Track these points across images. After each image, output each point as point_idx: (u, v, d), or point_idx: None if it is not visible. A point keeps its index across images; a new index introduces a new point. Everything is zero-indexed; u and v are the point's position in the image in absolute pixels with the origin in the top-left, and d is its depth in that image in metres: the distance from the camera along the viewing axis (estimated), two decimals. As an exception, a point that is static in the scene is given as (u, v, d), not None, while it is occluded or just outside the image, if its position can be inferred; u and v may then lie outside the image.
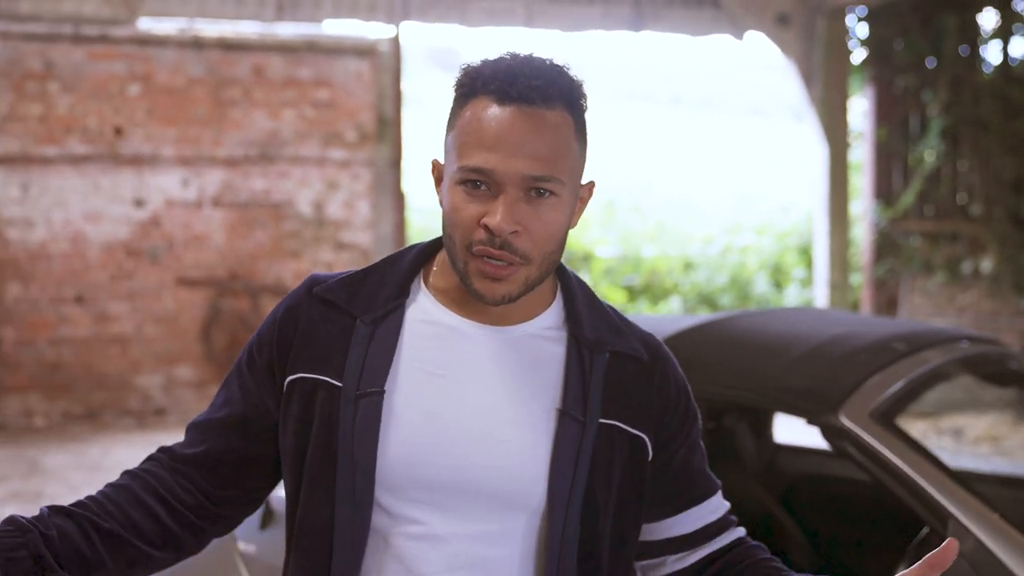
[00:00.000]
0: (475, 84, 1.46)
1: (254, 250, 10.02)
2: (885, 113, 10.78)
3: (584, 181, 1.55)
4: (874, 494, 3.49)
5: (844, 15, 10.62)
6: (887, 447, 2.27)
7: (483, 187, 1.43)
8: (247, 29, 9.99)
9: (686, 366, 2.56)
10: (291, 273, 10.06)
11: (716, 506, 1.68)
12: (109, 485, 1.56)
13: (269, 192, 10.08)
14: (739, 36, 10.96)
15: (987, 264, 10.33)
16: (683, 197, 14.17)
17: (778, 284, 12.09)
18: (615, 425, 1.52)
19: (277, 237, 10.13)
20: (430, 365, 1.50)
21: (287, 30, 10.06)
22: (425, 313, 1.54)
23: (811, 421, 2.37)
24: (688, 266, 12.24)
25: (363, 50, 10.20)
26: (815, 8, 10.59)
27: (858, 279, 10.75)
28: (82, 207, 9.51)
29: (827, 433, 2.35)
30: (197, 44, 9.81)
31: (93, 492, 1.56)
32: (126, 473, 1.59)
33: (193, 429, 1.60)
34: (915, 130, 10.77)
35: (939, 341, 2.75)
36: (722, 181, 17.13)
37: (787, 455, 3.80)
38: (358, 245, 10.34)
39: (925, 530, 2.52)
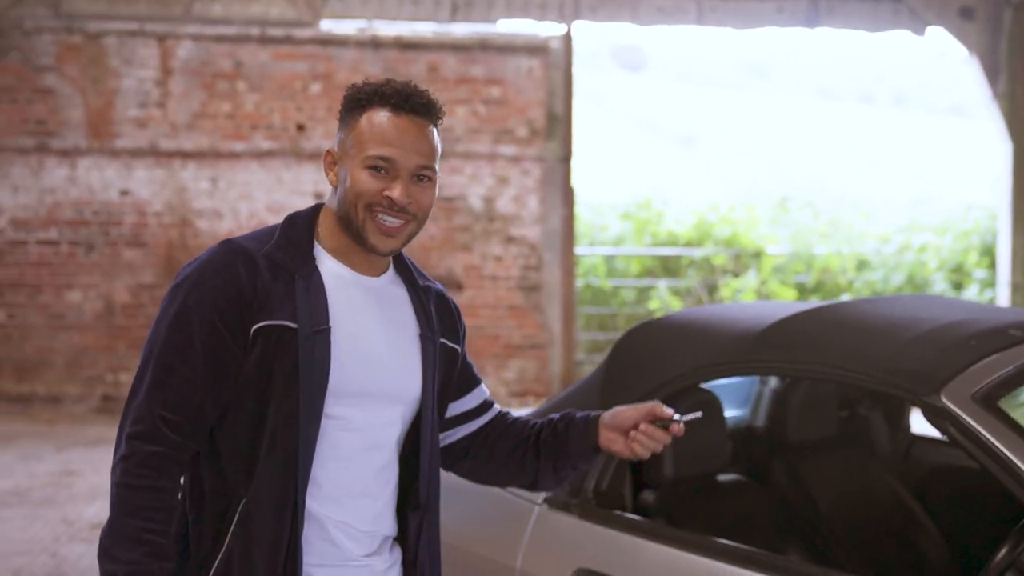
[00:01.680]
0: (372, 98, 1.98)
1: (427, 242, 10.20)
2: (1073, 109, 10.39)
3: None
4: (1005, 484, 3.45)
5: (1033, 6, 10.27)
6: (988, 429, 2.26)
7: (383, 171, 1.96)
8: (423, 29, 10.22)
9: (798, 346, 2.64)
10: (462, 265, 10.26)
11: (483, 391, 2.32)
12: (171, 510, 1.92)
13: (442, 186, 10.13)
14: (920, 32, 10.70)
15: None
16: (859, 194, 13.84)
17: (958, 285, 11.72)
18: (444, 343, 2.16)
19: (449, 230, 10.30)
20: (344, 306, 2.00)
21: (461, 29, 10.22)
22: (330, 268, 2.03)
23: (913, 402, 2.37)
24: (863, 264, 11.97)
25: (535, 48, 10.29)
26: (1001, 0, 10.28)
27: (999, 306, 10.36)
28: (266, 199, 9.94)
29: (928, 413, 2.34)
30: (375, 44, 10.08)
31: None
32: (163, 487, 1.89)
33: (175, 409, 1.89)
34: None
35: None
36: (903, 178, 16.66)
37: (924, 445, 3.76)
38: (527, 239, 10.43)
39: (1031, 514, 2.52)
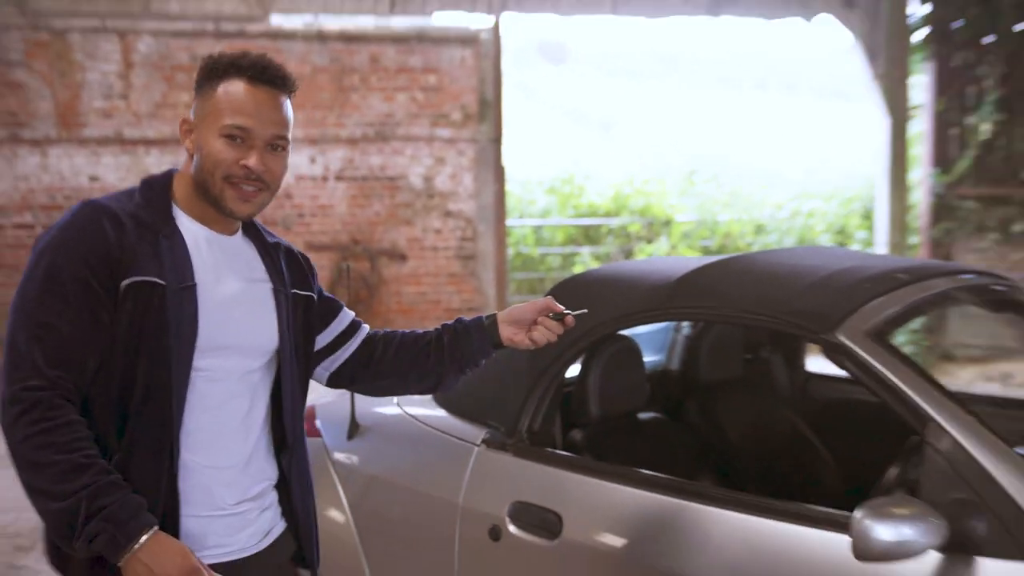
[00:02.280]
0: (229, 68, 1.88)
1: (372, 218, 10.17)
2: (943, 87, 10.53)
3: None
4: (891, 417, 3.47)
5: (906, -3, 10.38)
6: (878, 361, 2.26)
7: (239, 140, 1.85)
8: (364, 22, 10.07)
9: (707, 293, 2.62)
10: (405, 238, 10.20)
11: (348, 313, 2.23)
12: (89, 439, 1.77)
13: (385, 167, 10.20)
14: (809, 18, 10.75)
15: (1038, 226, 10.10)
16: (757, 168, 13.97)
17: (841, 245, 11.89)
18: (296, 292, 2.06)
19: (392, 207, 10.25)
20: (205, 263, 1.90)
21: (400, 22, 10.08)
22: (188, 227, 1.91)
23: (813, 339, 2.36)
24: (760, 229, 12.11)
25: (467, 39, 10.22)
26: (879, -12, 10.39)
27: (916, 240, 10.53)
28: None
29: (826, 349, 2.33)
30: (321, 37, 9.95)
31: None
32: (77, 421, 1.76)
33: (60, 364, 1.75)
34: (971, 102, 10.51)
35: (945, 272, 2.70)
36: (795, 154, 16.84)
37: (818, 382, 3.77)
38: (463, 213, 10.40)
39: (916, 437, 2.53)
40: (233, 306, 1.92)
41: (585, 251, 11.70)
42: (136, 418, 1.80)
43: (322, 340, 2.17)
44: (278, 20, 9.89)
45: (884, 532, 1.94)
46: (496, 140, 10.36)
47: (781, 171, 13.68)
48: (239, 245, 2.01)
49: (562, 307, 2.13)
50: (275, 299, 2.01)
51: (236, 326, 1.91)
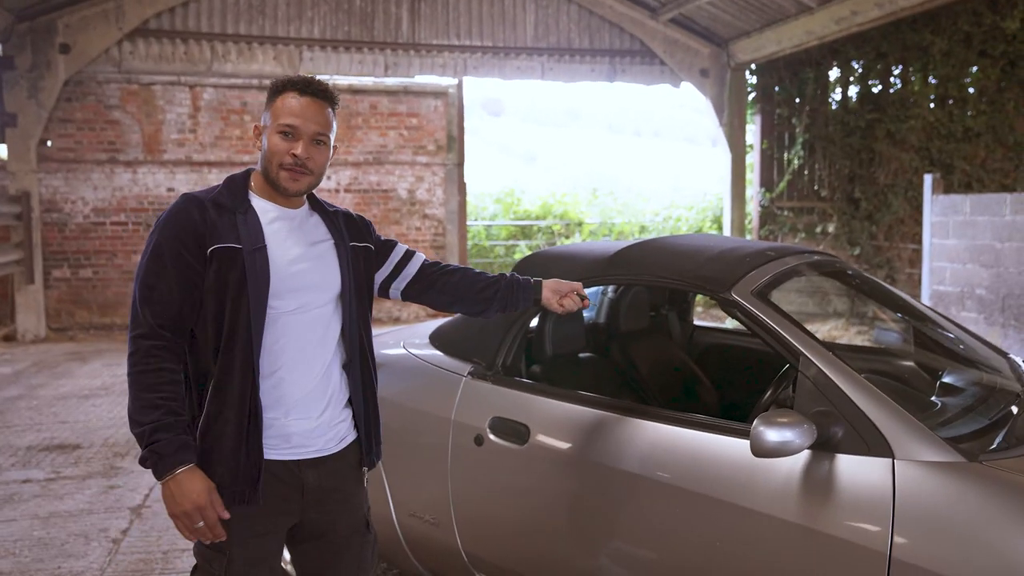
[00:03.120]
0: (285, 86, 1.79)
1: (371, 220, 9.90)
2: (767, 132, 10.63)
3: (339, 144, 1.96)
4: (753, 357, 3.42)
5: (743, 70, 10.41)
6: (761, 312, 2.17)
7: (289, 136, 1.76)
8: (366, 80, 9.93)
9: (635, 265, 2.51)
10: (394, 235, 10.04)
11: (402, 247, 2.09)
12: (176, 383, 1.71)
13: (380, 183, 10.04)
14: (677, 84, 10.75)
15: (831, 228, 10.23)
16: (640, 187, 13.95)
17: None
18: (355, 245, 1.92)
19: (385, 211, 10.10)
20: (274, 230, 1.79)
21: (391, 80, 9.96)
22: (260, 206, 1.81)
23: (713, 297, 2.26)
24: (643, 229, 12.10)
25: (439, 93, 10.13)
26: (724, 65, 10.38)
27: (751, 239, 10.64)
28: None
29: (723, 305, 2.24)
30: (336, 89, 9.66)
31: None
32: (167, 368, 1.70)
33: (162, 315, 1.70)
34: (786, 143, 10.60)
35: (797, 252, 2.65)
36: (663, 179, 16.89)
37: (700, 332, 3.70)
38: (436, 216, 10.28)
39: (786, 367, 2.45)
40: (299, 260, 1.81)
41: (522, 244, 11.60)
42: (227, 346, 1.72)
43: (383, 272, 2.04)
44: None
45: (772, 435, 1.85)
46: (459, 164, 10.27)
47: (656, 189, 13.65)
48: (303, 215, 1.88)
49: (586, 292, 2.16)
50: (336, 252, 1.88)
51: (303, 274, 1.80)
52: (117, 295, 9.31)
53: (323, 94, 1.80)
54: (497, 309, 2.11)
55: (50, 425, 5.54)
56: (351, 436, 1.89)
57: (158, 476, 1.65)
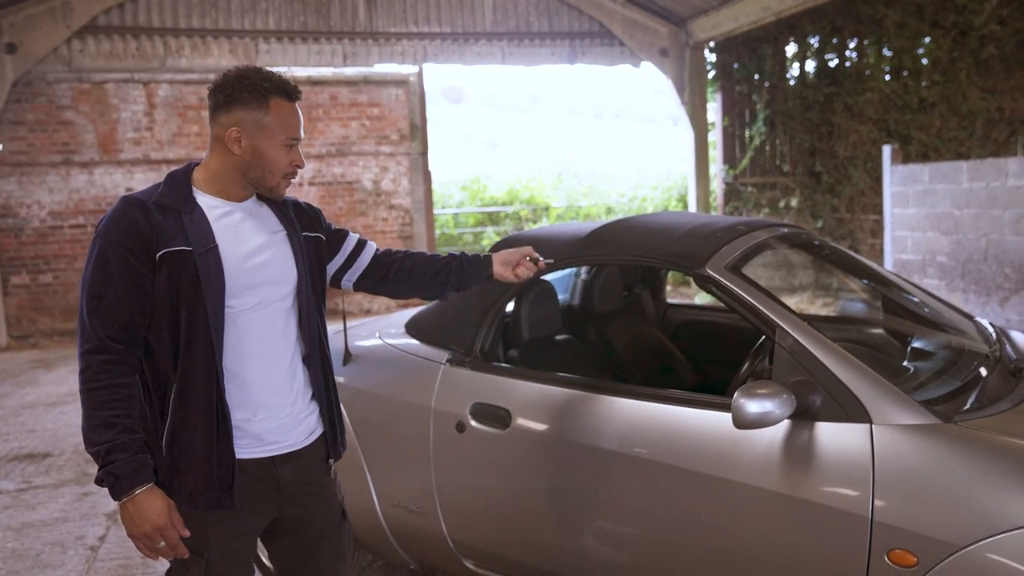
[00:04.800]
0: (272, 87, 1.70)
1: (337, 212, 9.87)
2: (729, 109, 10.70)
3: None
4: (726, 331, 3.46)
5: (702, 48, 10.45)
6: (736, 286, 2.18)
7: (290, 147, 1.73)
8: (325, 71, 9.78)
9: (608, 244, 2.51)
10: (361, 226, 9.96)
11: (354, 237, 2.03)
12: (131, 398, 1.64)
13: (344, 175, 9.93)
14: (637, 65, 10.77)
15: (794, 202, 10.34)
16: (604, 169, 13.97)
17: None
18: (307, 235, 1.86)
19: (351, 203, 9.98)
20: (224, 227, 1.71)
21: (351, 70, 9.84)
22: (206, 203, 1.73)
23: (688, 273, 2.27)
24: (609, 211, 12.12)
25: (399, 81, 10.02)
26: (684, 44, 10.41)
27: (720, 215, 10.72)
28: None
29: (698, 280, 2.24)
30: (294, 82, 9.49)
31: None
32: (120, 384, 1.63)
33: (112, 326, 1.63)
34: (747, 120, 10.69)
35: (767, 225, 2.66)
36: (627, 160, 16.95)
37: (674, 309, 3.72)
38: (402, 206, 10.20)
39: (762, 338, 2.47)
40: (255, 254, 1.74)
41: (489, 230, 11.55)
42: (187, 351, 1.66)
43: (335, 263, 1.99)
44: None
45: (753, 406, 1.87)
46: (423, 153, 10.19)
47: (620, 170, 13.68)
48: (252, 207, 1.80)
49: (538, 255, 2.10)
50: (290, 243, 1.81)
51: (260, 269, 1.74)
52: (79, 300, 9.12)
53: (300, 96, 1.76)
54: (452, 290, 2.08)
55: (18, 435, 5.41)
56: (319, 429, 1.86)
57: (115, 497, 1.61)
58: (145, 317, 1.64)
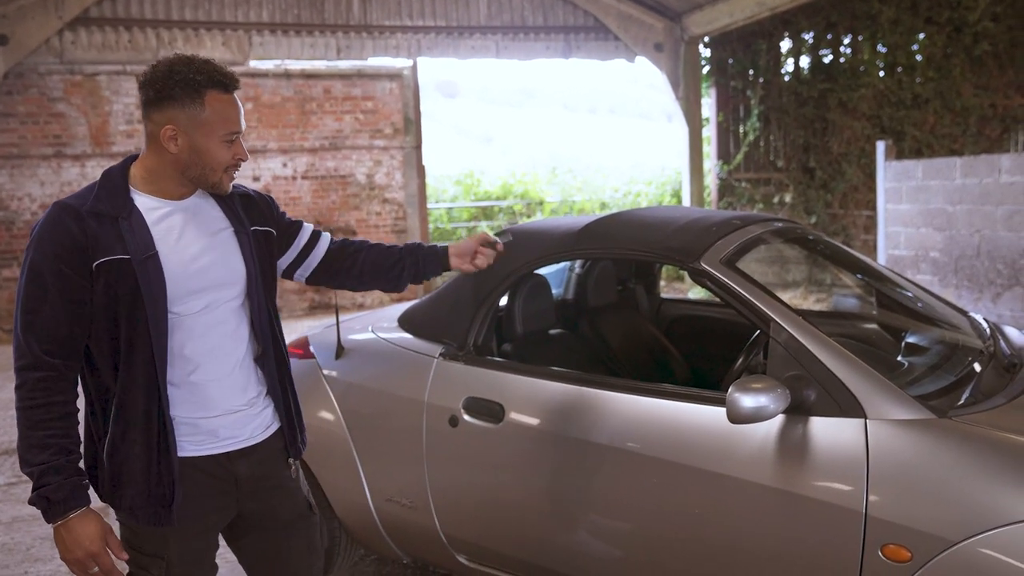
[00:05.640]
0: (205, 80, 1.58)
1: (330, 206, 9.85)
2: (723, 105, 10.70)
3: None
4: (720, 326, 3.45)
5: (697, 43, 10.43)
6: (731, 280, 2.17)
7: (231, 141, 1.63)
8: (319, 64, 9.74)
9: (603, 238, 2.50)
10: (354, 220, 9.93)
11: (308, 229, 1.95)
12: (68, 416, 1.59)
13: (337, 168, 9.90)
14: (631, 60, 10.75)
15: (788, 198, 10.35)
16: (599, 164, 13.95)
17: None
18: (256, 229, 1.78)
19: (344, 197, 9.94)
20: (165, 229, 1.63)
21: (345, 63, 9.81)
22: (145, 204, 1.63)
23: (683, 267, 2.25)
24: (603, 206, 12.11)
25: (393, 75, 9.97)
26: (679, 39, 10.39)
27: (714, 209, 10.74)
28: None
29: (693, 274, 2.23)
30: (287, 75, 9.57)
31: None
32: (56, 402, 1.57)
33: (49, 341, 1.56)
34: (741, 115, 10.69)
35: (761, 220, 2.66)
36: (621, 155, 16.94)
37: (668, 304, 3.71)
38: (395, 200, 10.16)
39: (756, 333, 2.46)
40: (200, 256, 1.66)
41: (483, 225, 11.53)
42: (126, 362, 1.59)
43: (287, 257, 1.92)
44: (255, 63, 9.46)
45: (748, 401, 1.86)
46: (417, 147, 10.16)
47: (615, 165, 13.66)
48: (195, 203, 1.70)
49: (493, 237, 2.07)
50: (237, 240, 1.72)
51: (205, 272, 1.66)
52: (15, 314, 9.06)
53: (237, 85, 1.64)
54: (406, 283, 2.04)
55: (9, 428, 5.37)
56: (275, 424, 1.81)
57: (48, 521, 1.56)
58: (83, 330, 1.58)
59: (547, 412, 2.33)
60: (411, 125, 10.06)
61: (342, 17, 9.54)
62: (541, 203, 11.87)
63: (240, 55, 9.26)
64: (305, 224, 1.96)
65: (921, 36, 9.55)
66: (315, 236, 1.96)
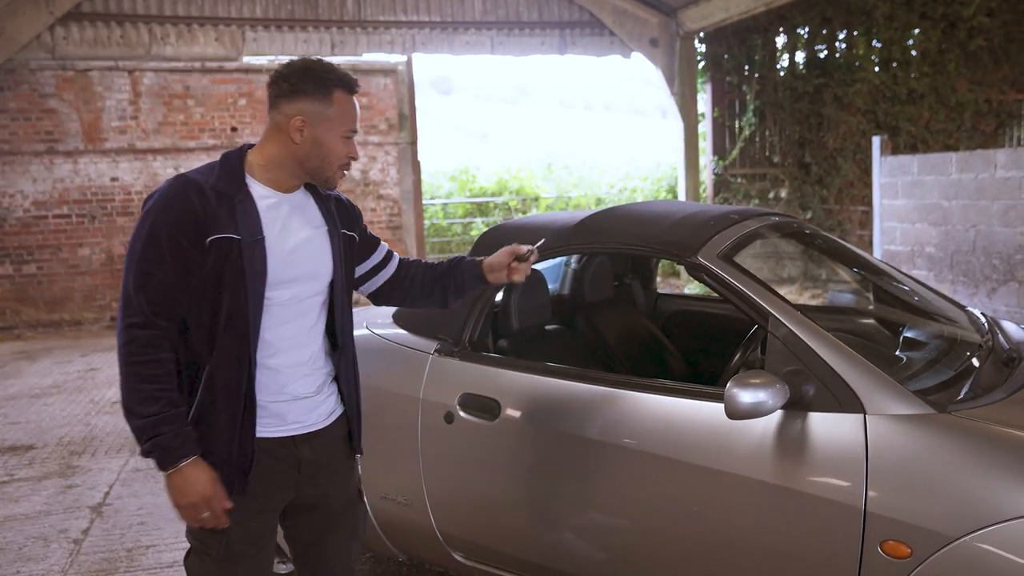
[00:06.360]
0: (335, 80, 1.72)
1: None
2: (718, 100, 10.67)
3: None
4: (717, 321, 3.43)
5: (693, 38, 10.41)
6: (728, 275, 2.15)
7: (348, 138, 1.75)
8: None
9: (599, 233, 2.48)
10: (350, 216, 9.90)
11: (384, 248, 2.05)
12: (171, 374, 1.68)
13: (333, 164, 9.86)
14: (627, 55, 10.73)
15: (784, 193, 10.34)
16: (594, 160, 13.92)
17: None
18: (344, 232, 1.88)
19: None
20: (272, 218, 1.73)
21: (339, 59, 9.74)
22: (259, 192, 1.74)
23: (680, 261, 2.23)
24: (599, 201, 12.08)
25: (388, 71, 9.93)
26: (674, 35, 10.37)
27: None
28: None
29: (690, 269, 2.21)
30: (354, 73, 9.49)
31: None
32: (164, 358, 1.67)
33: (158, 303, 1.65)
34: (737, 110, 10.67)
35: (758, 214, 2.63)
36: (616, 151, 16.91)
37: (664, 299, 3.69)
38: (391, 196, 10.13)
39: (754, 328, 2.44)
40: (298, 248, 1.77)
41: (478, 221, 11.50)
42: (223, 336, 1.69)
43: (360, 270, 2.02)
44: (248, 59, 9.42)
45: (746, 396, 1.84)
46: (412, 143, 10.12)
47: (610, 161, 13.63)
48: (299, 199, 1.81)
49: (524, 247, 2.02)
50: (330, 239, 1.83)
51: (300, 264, 1.76)
52: (64, 290, 9.01)
53: (359, 88, 1.79)
54: (453, 302, 2.10)
55: (0, 427, 5.34)
56: (339, 410, 1.90)
57: (163, 468, 1.65)
58: (189, 299, 1.67)
59: (543, 408, 2.31)
60: (406, 121, 10.02)
61: (336, 12, 9.50)
62: (537, 199, 11.84)
63: (233, 50, 9.21)
64: (382, 243, 2.06)
65: (916, 31, 9.55)
66: (388, 256, 2.06)
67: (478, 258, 2.08)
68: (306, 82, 1.69)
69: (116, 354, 1.68)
